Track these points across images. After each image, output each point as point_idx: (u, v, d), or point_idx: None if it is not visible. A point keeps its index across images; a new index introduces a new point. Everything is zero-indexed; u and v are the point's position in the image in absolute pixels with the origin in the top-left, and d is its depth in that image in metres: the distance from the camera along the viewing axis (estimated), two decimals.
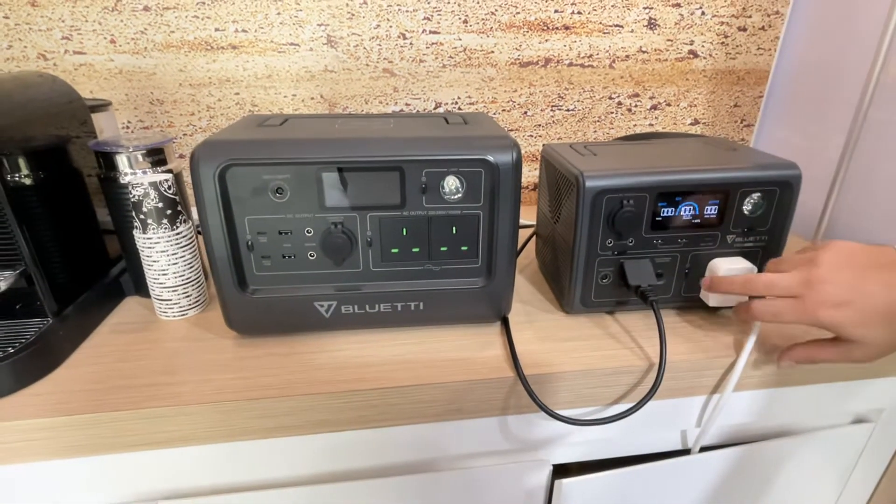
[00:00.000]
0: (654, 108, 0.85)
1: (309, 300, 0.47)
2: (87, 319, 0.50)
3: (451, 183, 0.45)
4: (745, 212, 0.49)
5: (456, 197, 0.45)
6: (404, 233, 0.46)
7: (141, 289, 0.55)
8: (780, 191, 0.48)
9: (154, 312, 0.53)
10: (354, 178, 0.44)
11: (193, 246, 0.52)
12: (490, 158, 0.43)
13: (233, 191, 0.43)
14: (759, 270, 0.50)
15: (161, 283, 0.51)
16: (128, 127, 0.75)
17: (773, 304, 0.42)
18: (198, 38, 0.72)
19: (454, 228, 0.46)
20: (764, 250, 0.51)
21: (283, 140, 0.43)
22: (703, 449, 0.53)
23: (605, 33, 0.79)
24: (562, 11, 0.76)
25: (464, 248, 0.47)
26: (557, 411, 0.43)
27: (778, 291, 0.41)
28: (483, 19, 0.76)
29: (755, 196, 0.48)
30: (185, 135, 0.77)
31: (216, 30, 0.72)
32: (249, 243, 0.45)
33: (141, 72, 0.72)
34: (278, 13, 0.72)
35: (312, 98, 0.77)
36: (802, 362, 0.44)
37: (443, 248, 0.47)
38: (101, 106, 0.62)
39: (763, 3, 0.80)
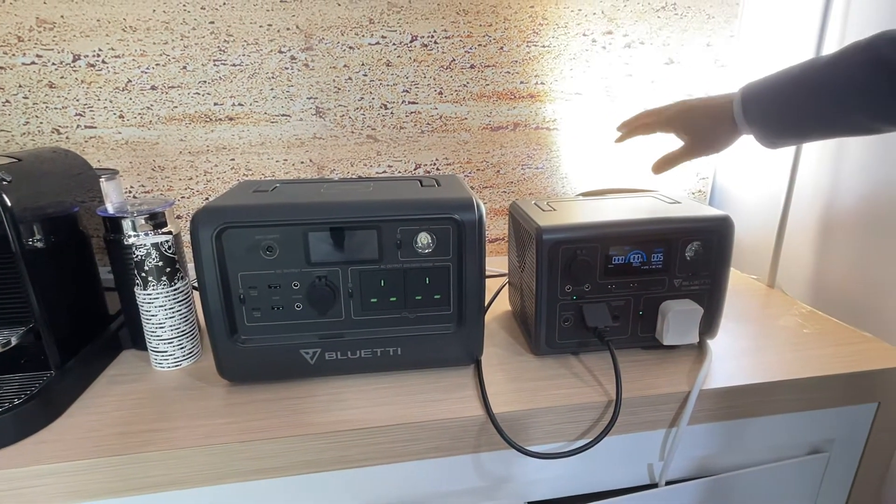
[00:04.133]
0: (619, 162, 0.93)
1: (295, 348, 0.51)
2: (88, 371, 0.53)
3: (423, 238, 0.50)
4: (688, 258, 0.55)
5: (428, 251, 0.51)
6: (382, 284, 0.51)
7: (138, 342, 0.59)
8: (717, 239, 0.54)
9: (150, 364, 0.57)
10: (337, 236, 0.49)
11: (189, 301, 0.56)
12: (457, 216, 0.49)
13: (228, 250, 0.48)
14: (706, 312, 0.56)
15: (158, 336, 0.55)
16: (131, 191, 0.81)
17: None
18: (198, 112, 0.79)
19: (427, 279, 0.51)
20: (709, 292, 0.56)
21: (272, 205, 0.49)
22: (670, 482, 0.56)
23: (566, 101, 0.87)
24: (527, 82, 0.85)
25: (436, 296, 0.52)
26: (526, 447, 0.47)
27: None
28: (456, 90, 0.84)
29: (695, 244, 0.54)
30: (183, 197, 0.83)
31: (215, 104, 0.79)
32: (241, 297, 0.50)
33: (145, 142, 0.79)
34: (272, 89, 0.80)
35: (302, 162, 0.84)
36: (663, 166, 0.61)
37: (417, 297, 0.52)
38: (108, 174, 0.68)
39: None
